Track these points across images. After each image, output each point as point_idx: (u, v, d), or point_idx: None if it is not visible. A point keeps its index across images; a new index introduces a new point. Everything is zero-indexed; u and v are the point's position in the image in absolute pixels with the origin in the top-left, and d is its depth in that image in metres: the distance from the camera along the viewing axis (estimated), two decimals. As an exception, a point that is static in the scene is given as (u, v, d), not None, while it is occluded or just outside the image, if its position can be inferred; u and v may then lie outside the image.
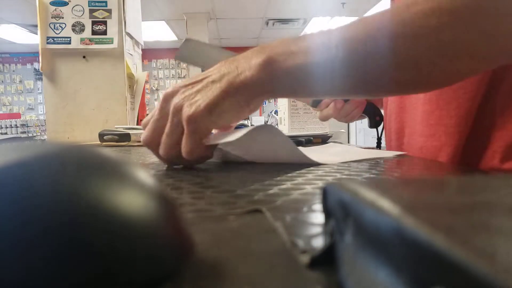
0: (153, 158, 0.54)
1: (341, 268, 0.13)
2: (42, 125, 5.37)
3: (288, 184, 0.31)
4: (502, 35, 0.34)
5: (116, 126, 1.08)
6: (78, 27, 1.60)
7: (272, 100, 6.01)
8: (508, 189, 0.13)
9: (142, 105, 1.80)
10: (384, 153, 0.53)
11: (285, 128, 1.43)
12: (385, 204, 0.11)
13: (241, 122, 0.80)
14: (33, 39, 5.70)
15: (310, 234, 0.18)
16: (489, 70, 0.46)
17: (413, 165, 0.44)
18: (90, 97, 1.63)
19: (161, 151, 0.41)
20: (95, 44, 1.61)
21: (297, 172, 0.38)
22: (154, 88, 7.18)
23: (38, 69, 4.21)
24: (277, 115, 1.73)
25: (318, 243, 0.17)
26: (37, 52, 1.63)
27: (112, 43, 1.60)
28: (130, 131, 0.93)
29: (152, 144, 0.42)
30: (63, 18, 1.60)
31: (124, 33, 1.64)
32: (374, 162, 0.45)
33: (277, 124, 1.61)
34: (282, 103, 1.21)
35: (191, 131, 0.39)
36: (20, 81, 7.16)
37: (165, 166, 0.46)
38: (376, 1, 4.53)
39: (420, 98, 0.55)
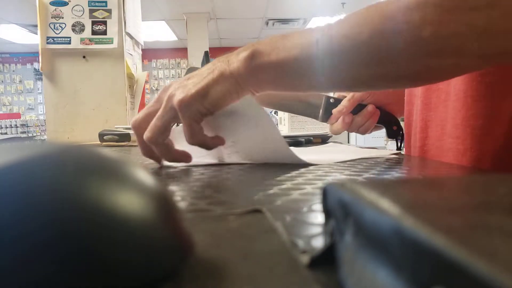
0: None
1: (341, 268, 0.13)
2: (42, 125, 5.38)
3: (288, 184, 0.31)
4: (498, 31, 0.31)
5: (116, 126, 1.08)
6: (78, 27, 1.60)
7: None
8: (508, 189, 0.13)
9: (142, 105, 1.80)
10: (380, 152, 0.56)
11: (285, 128, 1.43)
12: (385, 204, 0.11)
13: None
14: (33, 39, 5.70)
15: (310, 234, 0.18)
16: None
17: (414, 165, 0.44)
18: (90, 97, 1.63)
19: (147, 132, 0.42)
20: (95, 44, 1.61)
21: (297, 172, 0.38)
22: (154, 88, 7.18)
23: (38, 69, 4.22)
24: (277, 115, 1.73)
25: (318, 243, 0.17)
26: (37, 52, 1.63)
27: (112, 43, 1.60)
28: (130, 131, 0.93)
29: (140, 128, 0.43)
30: (63, 18, 1.60)
31: (124, 33, 1.64)
32: (374, 162, 0.45)
33: (277, 124, 1.61)
34: (282, 103, 1.21)
35: (183, 115, 0.40)
36: (20, 81, 7.16)
37: (165, 166, 0.46)
38: (376, 1, 4.52)
39: (450, 93, 0.49)
